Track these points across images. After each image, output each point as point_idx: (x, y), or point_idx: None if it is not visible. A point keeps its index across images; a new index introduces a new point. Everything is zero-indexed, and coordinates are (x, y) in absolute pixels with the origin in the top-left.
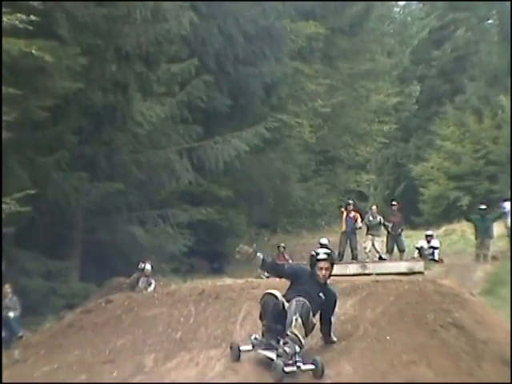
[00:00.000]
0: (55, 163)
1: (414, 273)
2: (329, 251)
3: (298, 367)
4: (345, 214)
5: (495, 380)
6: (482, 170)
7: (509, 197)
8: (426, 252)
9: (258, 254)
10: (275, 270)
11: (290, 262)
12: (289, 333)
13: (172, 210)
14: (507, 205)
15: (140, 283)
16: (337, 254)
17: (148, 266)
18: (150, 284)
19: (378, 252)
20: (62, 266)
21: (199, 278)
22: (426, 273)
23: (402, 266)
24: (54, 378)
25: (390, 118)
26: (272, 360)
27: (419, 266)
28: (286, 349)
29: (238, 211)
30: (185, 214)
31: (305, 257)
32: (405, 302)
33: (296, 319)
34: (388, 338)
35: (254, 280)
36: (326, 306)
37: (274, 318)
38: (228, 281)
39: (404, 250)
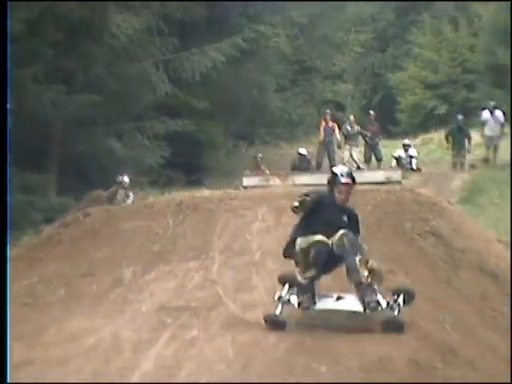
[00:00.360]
0: (32, 76)
1: (391, 182)
2: (351, 172)
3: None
4: (323, 123)
5: (472, 288)
6: (458, 79)
7: (486, 105)
8: (404, 161)
9: None
10: (305, 206)
11: (268, 172)
12: (363, 281)
13: (149, 122)
14: (485, 113)
15: (118, 196)
16: (314, 163)
17: (126, 179)
18: (127, 196)
19: (355, 162)
20: (39, 179)
21: (177, 191)
22: (403, 182)
23: (380, 176)
24: (33, 291)
25: (366, 28)
26: (357, 312)
27: (397, 175)
28: (377, 298)
29: (215, 123)
30: (162, 126)
31: (283, 168)
32: (382, 212)
33: (360, 260)
34: (365, 247)
35: (232, 191)
36: (350, 229)
37: (325, 267)
38: (206, 192)
39: (381, 160)
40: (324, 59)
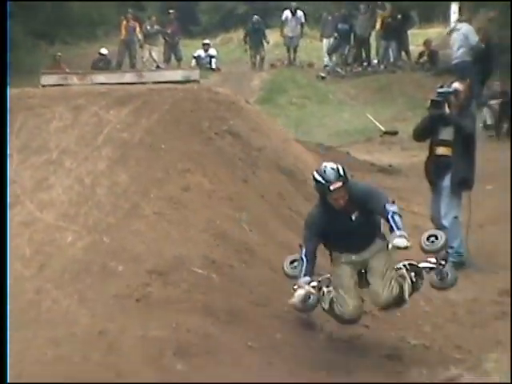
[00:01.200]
0: None
1: (190, 81)
2: (336, 168)
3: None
4: (124, 22)
5: (269, 186)
6: None
7: (288, 5)
8: (203, 61)
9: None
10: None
11: (67, 70)
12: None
13: None
14: (286, 13)
15: None
16: (115, 63)
17: None
18: None
19: (155, 61)
20: None
21: None
22: (202, 81)
23: (178, 75)
24: None
25: None
26: None
27: (195, 74)
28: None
29: (15, 21)
30: None
31: (83, 67)
32: (180, 110)
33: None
34: (163, 146)
35: (31, 89)
36: (369, 209)
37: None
38: None
39: (181, 59)
40: None
